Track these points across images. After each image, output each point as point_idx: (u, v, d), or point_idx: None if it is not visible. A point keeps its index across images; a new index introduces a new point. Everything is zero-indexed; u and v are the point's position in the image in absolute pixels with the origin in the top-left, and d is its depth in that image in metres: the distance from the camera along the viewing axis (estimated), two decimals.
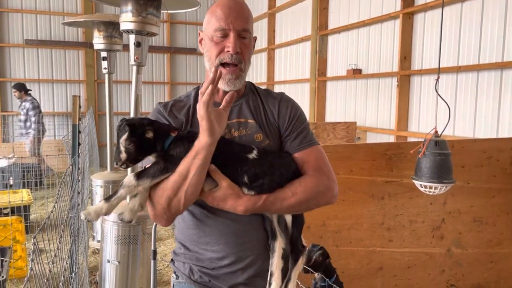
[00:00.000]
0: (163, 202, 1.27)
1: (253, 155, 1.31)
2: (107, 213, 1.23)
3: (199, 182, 1.25)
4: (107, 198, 1.24)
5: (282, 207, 1.31)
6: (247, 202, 1.28)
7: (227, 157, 1.30)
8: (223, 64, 1.36)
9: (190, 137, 1.28)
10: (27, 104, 7.58)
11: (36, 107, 7.66)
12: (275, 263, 1.37)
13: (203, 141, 1.22)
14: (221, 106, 1.23)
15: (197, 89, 1.48)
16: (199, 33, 1.45)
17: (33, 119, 7.54)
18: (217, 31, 1.35)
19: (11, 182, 6.67)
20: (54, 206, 1.58)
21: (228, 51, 1.34)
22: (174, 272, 1.51)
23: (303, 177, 1.35)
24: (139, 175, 1.24)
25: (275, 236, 1.39)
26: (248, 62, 1.40)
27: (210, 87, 1.17)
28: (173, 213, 1.30)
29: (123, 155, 1.26)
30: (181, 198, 1.25)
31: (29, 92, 7.94)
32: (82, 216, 1.22)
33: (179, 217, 1.42)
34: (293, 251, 1.41)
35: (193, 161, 1.23)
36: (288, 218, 1.40)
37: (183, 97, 1.49)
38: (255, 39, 1.47)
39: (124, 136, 1.25)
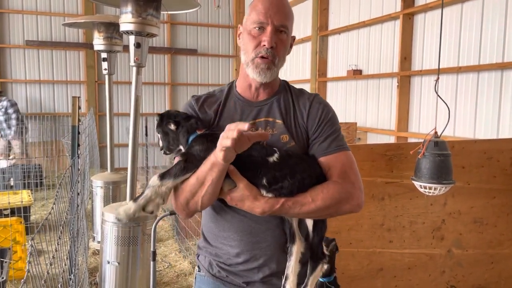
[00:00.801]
0: (182, 201, 1.32)
1: (273, 158, 1.31)
2: (135, 213, 1.27)
3: (215, 191, 1.28)
4: (135, 199, 1.29)
5: (301, 212, 1.29)
6: (264, 204, 1.28)
7: (248, 159, 1.30)
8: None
9: (211, 135, 1.30)
10: (5, 103, 7.56)
11: (14, 104, 7.67)
12: (292, 267, 1.36)
13: (218, 159, 1.21)
14: (249, 136, 1.16)
15: (231, 84, 1.50)
16: (239, 27, 1.45)
17: (13, 115, 7.51)
18: (255, 24, 1.35)
19: (12, 183, 6.67)
20: (52, 208, 1.58)
21: (264, 45, 1.34)
22: (198, 266, 1.55)
23: (326, 183, 1.32)
24: (162, 176, 1.29)
25: (293, 240, 1.38)
26: (282, 58, 1.40)
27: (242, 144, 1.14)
28: (191, 210, 1.34)
29: (161, 142, 1.42)
30: (198, 201, 1.30)
31: (2, 93, 7.92)
32: (114, 217, 1.31)
33: (204, 210, 1.46)
34: (312, 258, 1.39)
35: (209, 172, 1.24)
36: (309, 223, 1.37)
37: (217, 92, 1.50)
38: (293, 38, 1.46)
39: (155, 125, 1.40)
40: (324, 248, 2.36)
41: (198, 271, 1.54)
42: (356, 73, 6.67)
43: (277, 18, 1.34)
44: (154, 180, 1.29)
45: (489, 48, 4.64)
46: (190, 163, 1.29)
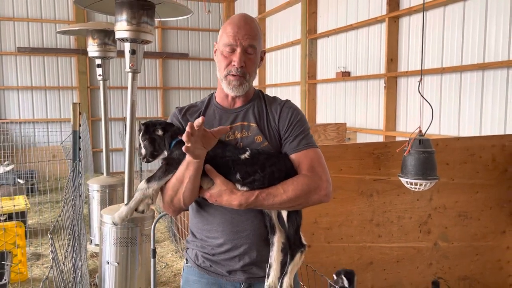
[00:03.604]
0: (167, 198, 1.48)
1: (245, 155, 1.46)
2: (127, 215, 1.45)
3: (194, 187, 1.43)
4: (126, 203, 1.47)
5: (275, 202, 1.43)
6: (241, 197, 1.42)
7: (222, 159, 1.46)
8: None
9: None
10: None
11: None
12: (274, 256, 1.50)
13: (191, 159, 1.38)
14: (213, 132, 1.37)
15: (211, 95, 1.67)
16: (214, 45, 1.62)
17: None
18: (226, 46, 1.53)
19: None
20: (62, 210, 1.67)
21: (234, 64, 1.52)
22: (186, 258, 1.69)
23: (297, 176, 1.47)
24: (149, 180, 1.46)
25: (274, 231, 1.52)
26: (252, 74, 1.58)
27: (187, 144, 1.30)
28: (176, 207, 1.50)
29: (143, 150, 1.51)
30: (180, 198, 1.45)
31: None
32: (109, 221, 1.42)
33: (190, 207, 1.61)
34: (290, 247, 1.51)
35: (186, 170, 1.40)
36: (284, 215, 1.51)
37: (199, 103, 1.67)
38: (264, 52, 1.64)
39: (140, 134, 1.49)
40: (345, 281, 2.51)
41: (186, 263, 1.68)
42: (345, 75, 6.82)
43: (245, 40, 1.51)
44: (142, 184, 1.45)
45: (470, 50, 4.81)
46: (170, 165, 1.45)
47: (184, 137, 1.30)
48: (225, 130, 1.43)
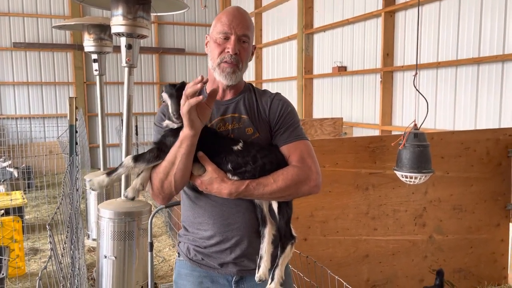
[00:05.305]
0: (157, 183, 1.46)
1: (238, 147, 1.47)
2: (107, 185, 1.43)
3: (186, 167, 1.42)
4: (108, 173, 1.42)
5: (265, 192, 1.45)
6: (231, 186, 1.43)
7: (215, 148, 1.47)
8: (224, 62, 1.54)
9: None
10: None
11: None
12: (265, 248, 1.51)
13: (186, 132, 1.38)
14: (205, 100, 1.37)
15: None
16: (206, 37, 1.63)
17: None
18: (220, 34, 1.53)
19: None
20: (60, 203, 1.68)
21: (228, 51, 1.52)
22: (178, 252, 1.69)
23: (287, 167, 1.49)
24: (136, 159, 1.43)
25: (265, 223, 1.53)
26: (245, 63, 1.58)
27: (195, 99, 1.31)
28: (167, 193, 1.48)
29: (173, 107, 1.43)
30: (172, 181, 1.44)
31: None
32: (87, 186, 1.38)
33: (182, 201, 1.61)
34: (281, 239, 1.52)
35: (179, 149, 1.40)
36: (275, 207, 1.52)
37: None
38: (254, 47, 1.65)
39: (176, 88, 1.43)
40: None
41: (178, 257, 1.67)
42: (341, 70, 6.84)
43: (239, 29, 1.52)
44: (128, 161, 1.42)
45: (466, 44, 4.84)
46: (161, 152, 1.44)
47: (191, 85, 1.30)
48: (214, 92, 1.40)
